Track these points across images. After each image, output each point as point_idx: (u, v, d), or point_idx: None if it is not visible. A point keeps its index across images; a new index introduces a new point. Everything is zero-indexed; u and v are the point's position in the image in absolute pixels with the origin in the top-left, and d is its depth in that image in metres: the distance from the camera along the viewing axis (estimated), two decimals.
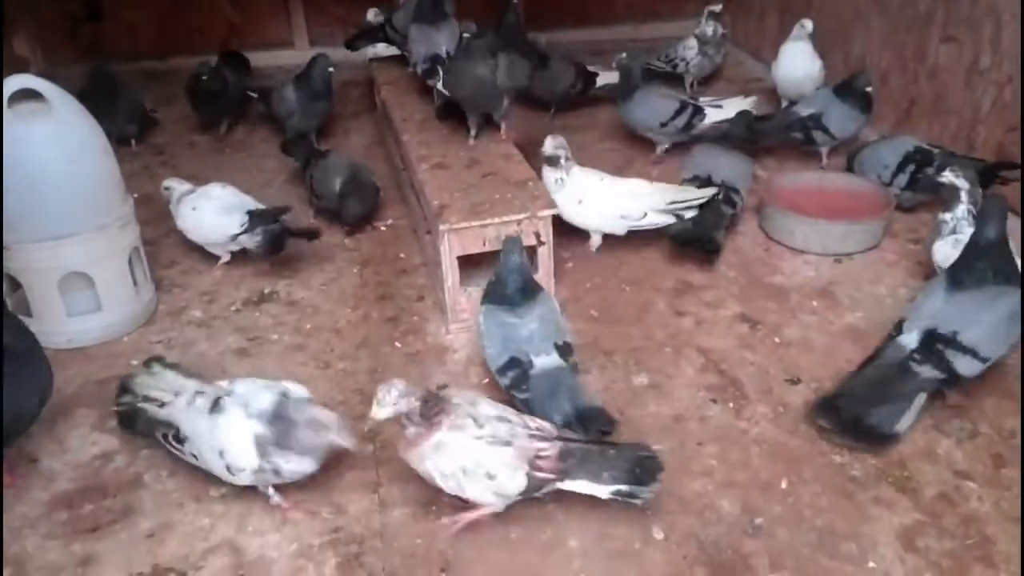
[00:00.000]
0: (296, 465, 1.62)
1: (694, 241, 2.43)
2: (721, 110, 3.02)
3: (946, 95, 2.79)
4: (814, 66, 3.21)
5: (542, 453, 1.57)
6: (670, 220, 2.45)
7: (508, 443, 1.57)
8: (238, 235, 2.40)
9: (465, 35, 2.67)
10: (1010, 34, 2.49)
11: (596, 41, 4.18)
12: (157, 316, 2.31)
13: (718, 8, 3.67)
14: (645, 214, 2.44)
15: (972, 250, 1.90)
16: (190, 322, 2.26)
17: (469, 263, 2.21)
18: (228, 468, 1.62)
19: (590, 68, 3.51)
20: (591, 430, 1.73)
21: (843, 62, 3.31)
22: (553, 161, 2.41)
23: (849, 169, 2.80)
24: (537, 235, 2.18)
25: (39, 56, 4.01)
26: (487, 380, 2.03)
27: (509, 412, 1.65)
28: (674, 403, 1.94)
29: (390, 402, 1.55)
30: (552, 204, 2.21)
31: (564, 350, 1.88)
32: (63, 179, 2.02)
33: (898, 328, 1.91)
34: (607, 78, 3.41)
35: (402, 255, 2.59)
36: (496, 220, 2.15)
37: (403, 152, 2.72)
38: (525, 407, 1.77)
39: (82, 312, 2.15)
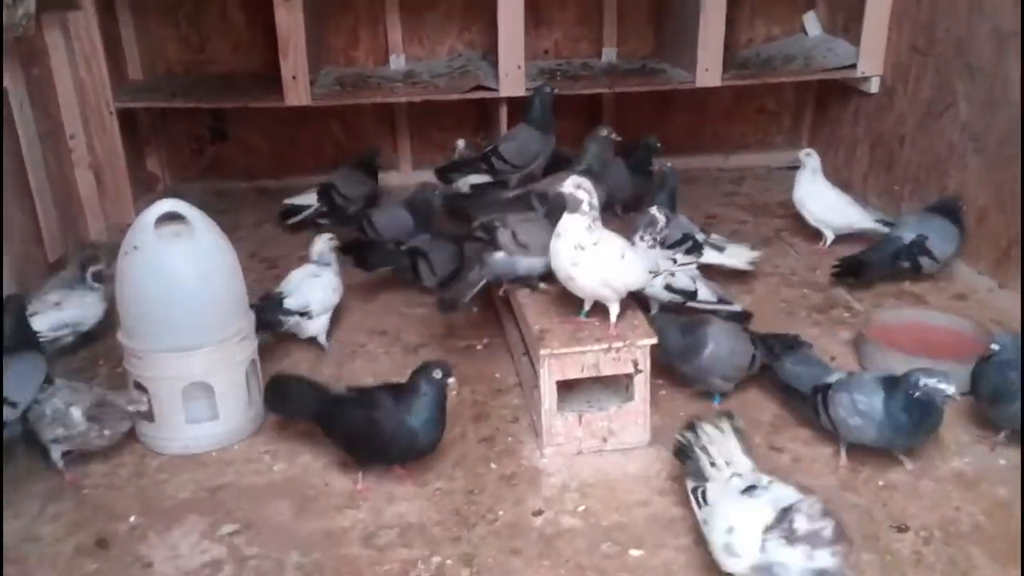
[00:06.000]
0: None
1: None
2: (720, 253, 3.00)
3: None
4: None
5: None
6: None
7: None
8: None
9: None
10: None
11: (685, 170, 4.28)
12: (265, 427, 2.39)
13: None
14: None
15: None
16: (298, 432, 2.34)
17: (564, 386, 2.26)
18: (728, 547, 1.70)
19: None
20: None
21: (938, 199, 3.32)
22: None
23: None
24: (635, 363, 2.22)
25: (167, 174, 4.37)
26: (583, 507, 2.03)
27: None
28: None
29: None
30: (651, 333, 2.25)
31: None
32: (197, 295, 2.18)
33: None
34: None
35: (497, 375, 2.66)
36: (596, 347, 2.20)
37: None
38: None
39: (199, 420, 2.27)
